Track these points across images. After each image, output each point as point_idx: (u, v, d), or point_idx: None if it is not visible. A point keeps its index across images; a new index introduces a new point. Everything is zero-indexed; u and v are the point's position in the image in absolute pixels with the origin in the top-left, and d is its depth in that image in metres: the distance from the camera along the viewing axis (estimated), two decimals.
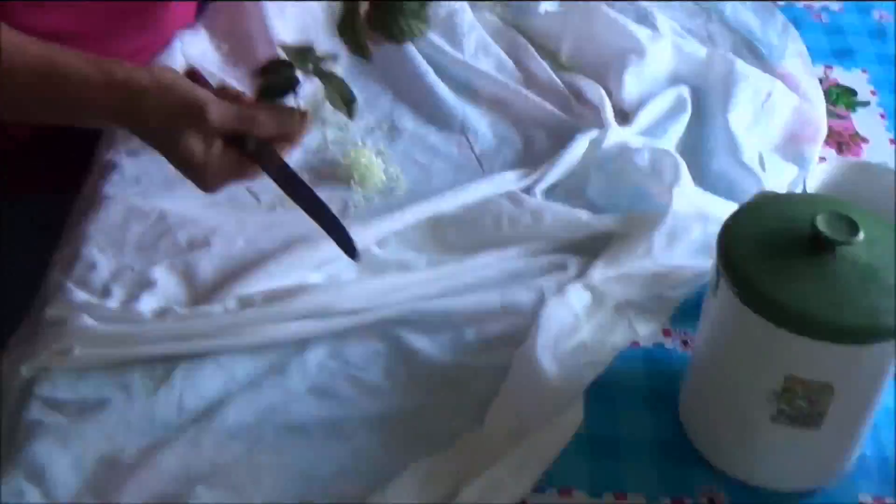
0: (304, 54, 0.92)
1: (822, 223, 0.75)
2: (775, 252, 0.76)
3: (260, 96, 0.90)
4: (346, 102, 0.93)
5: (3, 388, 0.89)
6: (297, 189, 0.89)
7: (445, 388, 0.89)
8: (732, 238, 0.78)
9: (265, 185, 1.01)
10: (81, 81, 0.87)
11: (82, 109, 0.90)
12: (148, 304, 0.91)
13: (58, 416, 0.84)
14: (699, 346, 0.86)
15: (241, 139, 0.86)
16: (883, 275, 0.74)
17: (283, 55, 0.93)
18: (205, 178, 0.87)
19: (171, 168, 1.03)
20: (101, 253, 0.95)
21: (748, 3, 1.28)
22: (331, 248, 0.95)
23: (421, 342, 0.92)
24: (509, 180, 1.04)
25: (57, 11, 1.07)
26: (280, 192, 1.01)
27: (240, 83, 1.10)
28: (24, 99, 0.89)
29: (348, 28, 0.91)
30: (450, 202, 1.01)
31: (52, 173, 1.22)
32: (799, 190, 1.03)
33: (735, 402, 0.81)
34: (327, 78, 0.92)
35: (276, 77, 0.90)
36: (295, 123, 0.89)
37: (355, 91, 1.08)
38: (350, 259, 0.90)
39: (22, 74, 0.87)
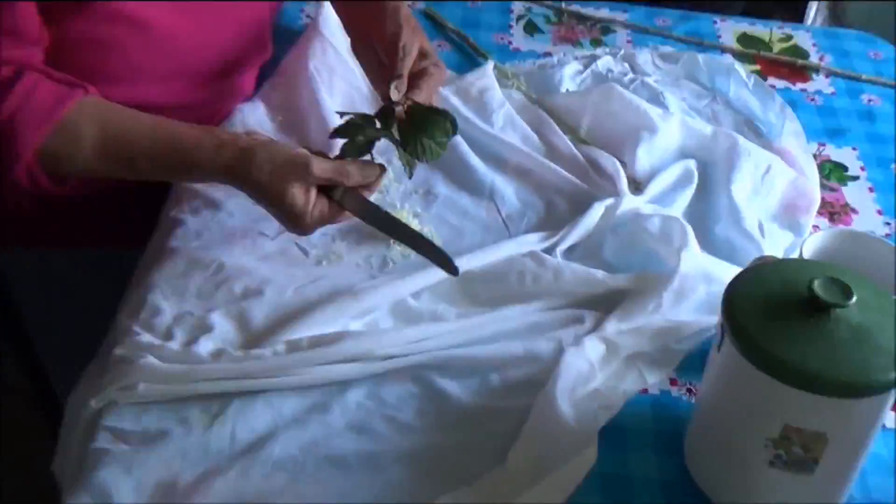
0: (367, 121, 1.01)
1: (818, 287, 0.77)
2: (775, 313, 0.78)
3: (344, 153, 0.98)
4: (409, 163, 1.02)
5: (72, 420, 0.91)
6: (389, 225, 1.00)
7: (472, 428, 0.90)
8: (736, 299, 0.80)
9: (313, 242, 1.05)
10: (196, 146, 0.97)
11: (196, 169, 0.99)
12: (206, 346, 0.93)
13: (122, 445, 0.86)
14: (703, 395, 0.88)
15: (331, 188, 0.96)
16: (875, 335, 0.76)
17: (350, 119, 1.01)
18: (304, 224, 0.96)
19: (228, 224, 1.06)
20: (164, 300, 0.97)
21: (749, 86, 1.31)
22: (370, 298, 0.98)
23: (450, 385, 0.93)
24: (532, 241, 1.06)
25: (145, 87, 1.11)
26: (326, 247, 1.05)
27: None
28: (144, 163, 0.99)
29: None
30: (478, 260, 1.03)
31: (110, 228, 1.25)
32: (795, 255, 1.05)
33: (735, 448, 0.82)
34: (396, 141, 1.01)
35: (359, 136, 0.99)
36: (375, 174, 0.99)
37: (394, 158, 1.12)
38: (450, 274, 0.99)
39: (144, 142, 0.98)
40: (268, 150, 0.95)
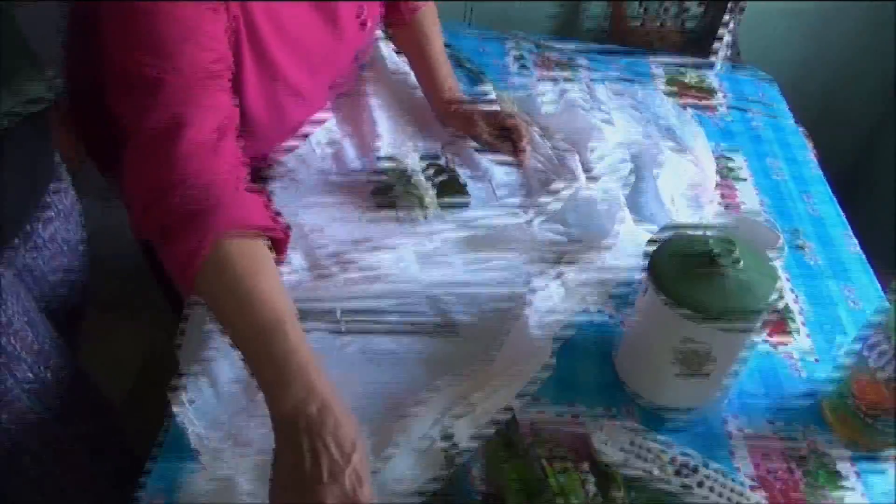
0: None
1: (716, 253, 0.75)
2: (684, 268, 0.76)
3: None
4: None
5: (190, 319, 0.88)
6: None
7: (469, 341, 0.89)
8: (658, 258, 0.78)
9: (364, 204, 1.03)
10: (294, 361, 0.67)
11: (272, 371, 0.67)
12: (286, 279, 0.89)
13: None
14: (631, 323, 0.86)
15: None
16: (754, 287, 0.74)
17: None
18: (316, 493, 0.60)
19: (306, 192, 1.03)
20: None
21: (673, 112, 1.27)
22: (404, 248, 0.96)
23: (456, 311, 0.91)
24: (514, 204, 1.04)
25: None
26: (374, 210, 1.01)
27: (352, 146, 1.11)
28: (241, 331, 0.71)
29: None
30: (479, 224, 1.01)
31: None
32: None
33: (651, 360, 0.81)
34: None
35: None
36: None
37: (420, 146, 1.09)
38: None
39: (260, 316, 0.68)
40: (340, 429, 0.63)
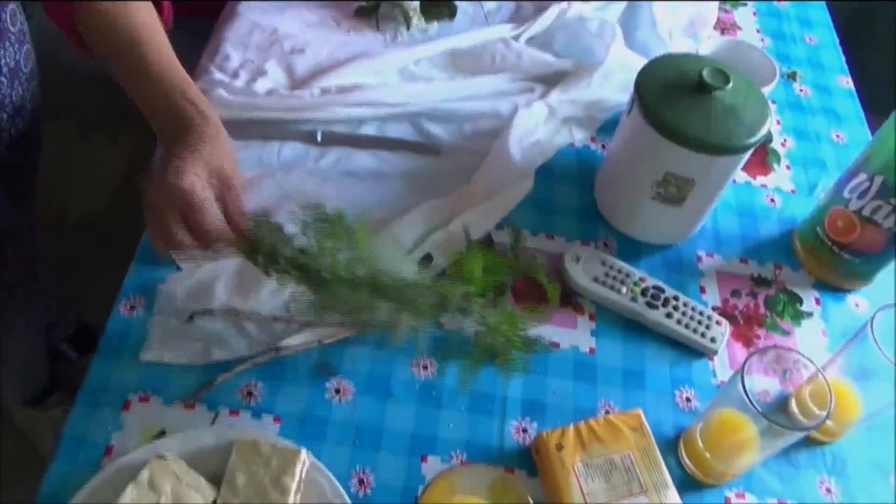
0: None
1: (705, 74, 0.72)
2: (672, 91, 0.73)
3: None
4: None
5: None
6: None
7: (448, 159, 0.87)
8: (645, 78, 0.75)
9: (344, 15, 0.97)
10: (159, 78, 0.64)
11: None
12: (262, 85, 0.88)
13: None
14: (613, 147, 0.84)
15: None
16: (741, 113, 0.72)
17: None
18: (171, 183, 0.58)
19: None
20: (233, 49, 0.91)
21: None
22: (383, 61, 0.92)
23: (436, 129, 0.90)
24: (503, 30, 0.98)
25: None
26: (354, 21, 0.97)
27: None
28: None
29: None
30: (464, 41, 0.96)
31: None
32: None
33: (630, 186, 0.80)
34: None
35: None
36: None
37: None
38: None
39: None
40: (218, 139, 0.62)
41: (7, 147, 0.96)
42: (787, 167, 0.94)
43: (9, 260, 1.02)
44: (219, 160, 0.61)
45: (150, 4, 0.68)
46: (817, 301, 0.82)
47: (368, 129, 0.89)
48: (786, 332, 0.79)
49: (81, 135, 1.85)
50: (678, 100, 0.73)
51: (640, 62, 0.93)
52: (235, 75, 0.88)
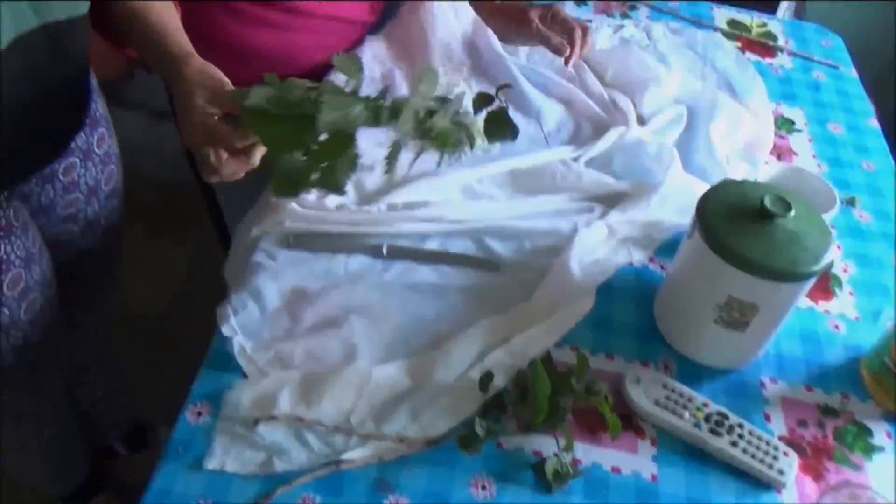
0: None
1: (767, 201, 0.73)
2: (734, 216, 0.74)
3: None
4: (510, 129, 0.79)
5: (239, 241, 0.90)
6: None
7: (508, 275, 0.89)
8: (707, 203, 0.77)
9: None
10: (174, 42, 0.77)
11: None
12: (332, 200, 0.91)
13: (271, 261, 0.86)
14: (673, 269, 0.85)
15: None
16: (803, 240, 0.73)
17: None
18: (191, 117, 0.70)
19: None
20: None
21: (732, 57, 1.23)
22: (447, 179, 0.95)
23: (497, 245, 0.92)
24: (564, 152, 1.01)
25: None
26: (420, 141, 1.01)
27: (402, 73, 1.09)
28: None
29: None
30: (525, 161, 0.99)
31: None
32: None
33: (691, 309, 0.80)
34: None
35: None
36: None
37: (475, 85, 1.08)
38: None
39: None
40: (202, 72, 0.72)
41: (75, 259, 1.01)
42: (850, 293, 0.93)
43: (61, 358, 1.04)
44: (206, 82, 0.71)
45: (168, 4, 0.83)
46: (888, 435, 0.79)
47: (432, 244, 0.91)
48: (857, 467, 0.76)
49: (150, 236, 1.93)
50: (740, 225, 0.74)
51: (698, 185, 0.96)
52: (308, 189, 0.92)
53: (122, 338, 1.67)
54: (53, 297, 0.95)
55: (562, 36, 1.06)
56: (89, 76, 0.91)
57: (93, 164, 0.96)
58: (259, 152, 0.70)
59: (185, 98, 0.71)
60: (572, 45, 1.05)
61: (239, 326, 0.79)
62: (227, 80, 0.72)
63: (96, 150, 0.96)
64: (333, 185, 0.64)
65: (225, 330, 0.79)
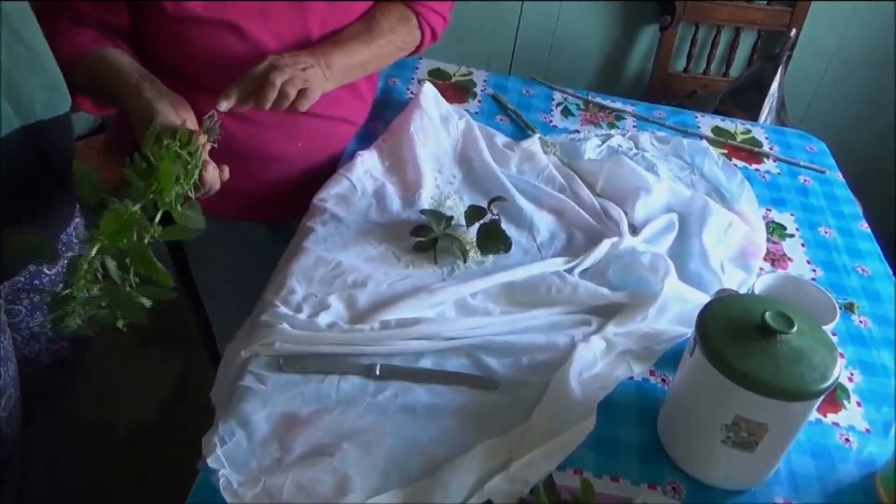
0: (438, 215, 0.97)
1: (769, 317, 0.72)
2: (736, 334, 0.73)
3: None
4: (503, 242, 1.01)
5: (228, 364, 0.88)
6: None
7: (506, 393, 0.86)
8: (707, 320, 0.75)
9: (403, 250, 1.01)
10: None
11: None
12: (324, 319, 0.89)
13: (261, 386, 0.83)
14: (675, 387, 0.82)
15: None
16: (808, 355, 0.71)
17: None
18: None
19: (345, 234, 1.02)
20: (297, 284, 0.93)
21: (719, 164, 1.24)
22: (441, 295, 0.94)
23: (492, 362, 0.89)
24: (557, 263, 1.00)
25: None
26: (413, 255, 1.00)
27: (394, 187, 1.09)
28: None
29: None
30: (519, 274, 0.98)
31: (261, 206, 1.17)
32: (745, 290, 1.00)
33: (697, 428, 0.77)
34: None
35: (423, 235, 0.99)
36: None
37: (467, 197, 1.08)
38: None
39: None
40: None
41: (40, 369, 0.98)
42: (858, 404, 0.91)
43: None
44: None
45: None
46: None
47: (426, 363, 0.89)
48: None
49: (140, 346, 1.89)
50: (743, 342, 0.72)
51: (695, 294, 0.95)
52: (299, 309, 0.90)
53: (105, 454, 1.61)
54: (20, 395, 0.93)
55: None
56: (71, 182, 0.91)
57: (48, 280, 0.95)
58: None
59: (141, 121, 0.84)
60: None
61: (226, 457, 0.75)
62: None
63: (74, 240, 0.96)
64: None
65: (211, 462, 0.75)
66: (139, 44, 1.01)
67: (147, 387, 1.83)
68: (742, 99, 1.73)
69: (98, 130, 1.76)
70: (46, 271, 0.94)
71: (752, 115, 1.69)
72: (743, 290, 1.01)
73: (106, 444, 1.67)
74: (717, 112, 1.55)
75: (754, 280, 0.95)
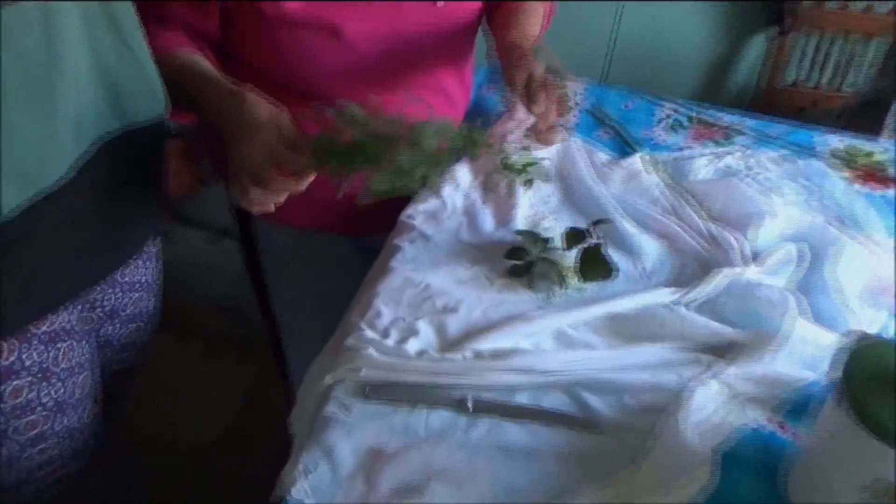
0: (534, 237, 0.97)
1: None
2: (886, 386, 0.66)
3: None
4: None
5: (309, 388, 0.86)
6: None
7: (609, 437, 0.81)
8: (853, 369, 0.68)
9: (497, 273, 0.97)
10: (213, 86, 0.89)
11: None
12: (413, 346, 0.86)
13: (346, 415, 0.80)
14: (814, 442, 0.75)
15: None
16: None
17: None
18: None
19: (435, 253, 0.99)
20: (385, 306, 0.91)
21: (839, 188, 1.16)
22: (538, 324, 0.89)
23: (594, 401, 0.84)
24: (665, 294, 0.95)
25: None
26: (507, 279, 0.96)
27: (487, 205, 1.05)
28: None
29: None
30: (624, 304, 0.93)
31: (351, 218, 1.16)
32: (877, 330, 0.92)
33: (832, 488, 0.70)
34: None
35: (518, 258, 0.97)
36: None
37: (565, 218, 1.03)
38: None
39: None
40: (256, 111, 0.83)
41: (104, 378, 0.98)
42: None
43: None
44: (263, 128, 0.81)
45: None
46: None
47: (521, 398, 0.84)
48: None
49: (210, 355, 1.91)
50: (890, 395, 0.65)
51: (826, 336, 0.88)
52: (386, 334, 0.87)
53: (169, 471, 1.62)
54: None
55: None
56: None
57: (122, 291, 0.96)
58: (308, 178, 0.81)
59: (249, 125, 0.80)
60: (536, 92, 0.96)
61: (311, 489, 0.73)
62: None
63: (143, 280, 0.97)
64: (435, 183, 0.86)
65: (296, 492, 0.72)
66: (223, 50, 1.01)
67: (214, 401, 1.84)
68: (866, 115, 1.63)
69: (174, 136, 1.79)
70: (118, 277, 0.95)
71: (874, 134, 1.59)
72: (873, 331, 0.93)
73: (170, 456, 1.68)
74: (836, 127, 1.45)
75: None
